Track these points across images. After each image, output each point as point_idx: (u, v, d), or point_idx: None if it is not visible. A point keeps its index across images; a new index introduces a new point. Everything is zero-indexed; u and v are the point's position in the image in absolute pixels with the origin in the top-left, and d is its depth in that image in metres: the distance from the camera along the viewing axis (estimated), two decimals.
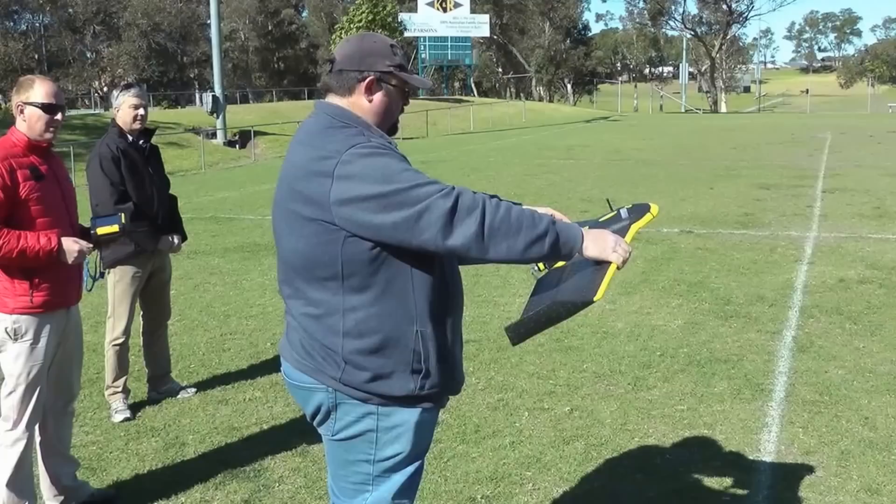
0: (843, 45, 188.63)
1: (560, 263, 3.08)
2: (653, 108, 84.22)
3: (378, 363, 2.76)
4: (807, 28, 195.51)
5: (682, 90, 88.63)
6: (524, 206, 2.74)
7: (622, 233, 2.92)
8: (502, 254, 2.64)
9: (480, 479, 4.89)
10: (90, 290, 4.95)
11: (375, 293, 2.72)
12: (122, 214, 4.72)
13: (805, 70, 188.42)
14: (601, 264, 2.78)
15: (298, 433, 5.42)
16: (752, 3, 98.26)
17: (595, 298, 2.70)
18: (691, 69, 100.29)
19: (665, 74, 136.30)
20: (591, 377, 6.55)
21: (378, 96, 2.85)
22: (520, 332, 2.88)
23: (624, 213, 3.08)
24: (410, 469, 2.93)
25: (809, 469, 4.95)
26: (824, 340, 7.32)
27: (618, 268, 2.75)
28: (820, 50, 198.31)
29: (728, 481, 4.84)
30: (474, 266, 9.93)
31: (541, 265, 3.12)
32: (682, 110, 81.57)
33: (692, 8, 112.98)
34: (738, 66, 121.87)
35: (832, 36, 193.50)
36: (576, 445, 5.31)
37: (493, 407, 5.99)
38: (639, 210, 3.10)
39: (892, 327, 7.70)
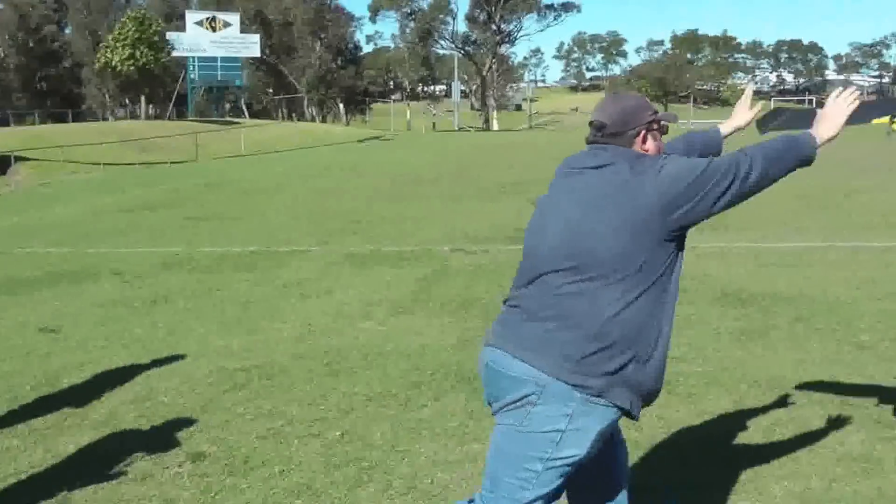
0: (609, 65, 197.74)
1: None
2: (426, 126, 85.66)
3: (622, 358, 3.03)
4: (575, 48, 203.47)
5: (454, 108, 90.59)
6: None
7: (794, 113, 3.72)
8: (783, 173, 3.17)
9: None
10: None
11: (645, 290, 3.05)
12: None
13: (574, 88, 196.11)
14: None
15: (58, 483, 5.10)
16: (520, 23, 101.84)
17: None
18: (463, 88, 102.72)
19: (438, 93, 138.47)
20: (363, 400, 6.52)
21: (651, 143, 3.31)
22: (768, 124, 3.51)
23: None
24: (568, 475, 3.14)
25: None
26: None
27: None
28: (588, 69, 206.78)
29: None
30: (243, 295, 9.65)
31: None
32: (455, 128, 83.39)
33: (462, 27, 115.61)
34: (510, 85, 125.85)
35: (599, 56, 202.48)
36: (345, 470, 5.24)
37: (262, 437, 5.84)
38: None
39: None
